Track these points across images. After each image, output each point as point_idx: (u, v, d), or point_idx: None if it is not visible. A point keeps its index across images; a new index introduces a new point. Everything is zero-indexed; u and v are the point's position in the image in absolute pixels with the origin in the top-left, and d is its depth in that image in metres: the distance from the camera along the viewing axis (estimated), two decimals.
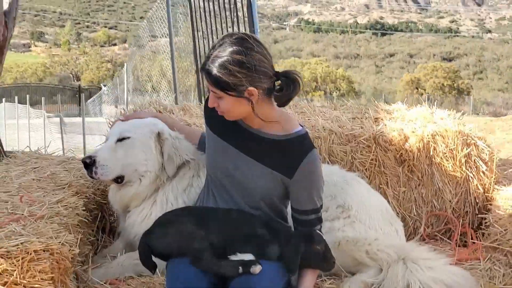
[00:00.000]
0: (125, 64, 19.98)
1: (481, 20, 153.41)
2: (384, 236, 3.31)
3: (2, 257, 2.58)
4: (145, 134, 3.33)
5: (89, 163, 3.20)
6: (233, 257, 2.79)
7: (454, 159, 3.84)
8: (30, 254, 2.61)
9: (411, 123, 3.92)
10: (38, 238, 2.70)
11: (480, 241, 3.59)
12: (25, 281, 2.58)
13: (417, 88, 51.21)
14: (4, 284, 2.56)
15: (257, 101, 2.77)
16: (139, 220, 3.32)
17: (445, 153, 3.85)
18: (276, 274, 2.78)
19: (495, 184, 3.92)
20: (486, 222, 3.73)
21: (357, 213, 3.32)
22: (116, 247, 3.46)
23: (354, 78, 58.12)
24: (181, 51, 13.06)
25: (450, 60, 72.05)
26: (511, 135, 17.69)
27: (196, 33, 9.66)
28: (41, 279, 2.62)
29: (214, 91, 2.75)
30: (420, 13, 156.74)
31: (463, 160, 3.84)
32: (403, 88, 51.47)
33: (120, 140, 3.31)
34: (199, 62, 9.46)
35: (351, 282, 3.06)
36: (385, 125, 3.88)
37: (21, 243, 2.65)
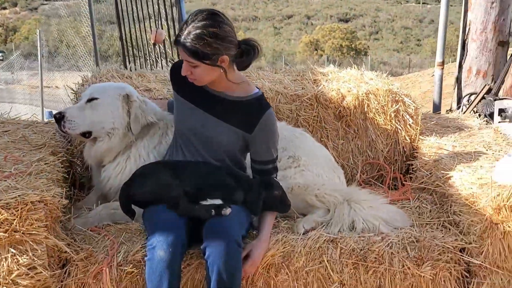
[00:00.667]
0: (38, 30, 19.88)
1: None
2: (329, 181, 3.81)
3: (2, 208, 2.94)
4: (113, 96, 3.73)
5: (59, 118, 3.61)
6: (204, 203, 3.23)
7: (385, 114, 4.35)
8: (27, 205, 2.98)
9: (346, 83, 4.41)
10: (33, 191, 3.06)
11: (409, 184, 4.14)
12: (23, 229, 2.98)
13: (316, 50, 51.56)
14: (5, 231, 2.94)
15: (227, 67, 3.21)
16: (114, 174, 3.71)
17: (377, 109, 4.34)
18: (242, 216, 3.26)
19: (420, 135, 4.46)
20: (413, 168, 4.28)
21: (306, 163, 3.79)
22: (90, 199, 3.83)
23: None
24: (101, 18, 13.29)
25: (346, 21, 72.63)
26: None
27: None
28: (37, 226, 3.00)
29: (191, 61, 3.16)
30: None
31: (392, 115, 4.35)
32: (302, 50, 51.82)
33: (90, 100, 3.69)
34: (123, 29, 9.69)
35: (304, 221, 3.53)
36: (324, 85, 4.36)
37: (19, 196, 2.99)
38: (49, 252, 3.07)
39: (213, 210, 3.16)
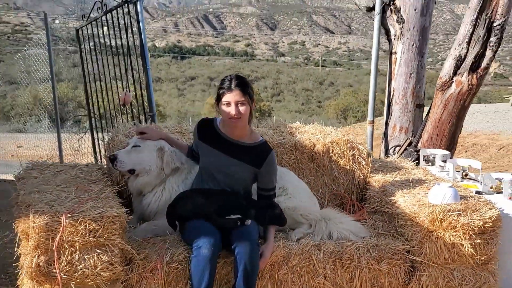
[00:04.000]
0: None
1: (274, 44, 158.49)
2: (309, 205, 5.15)
3: (92, 220, 4.08)
4: (151, 146, 5.01)
5: (113, 159, 4.88)
6: (228, 217, 4.52)
7: (345, 157, 5.63)
8: (108, 218, 4.13)
9: (314, 135, 5.74)
10: (111, 209, 4.23)
11: (364, 208, 5.50)
12: (105, 235, 4.07)
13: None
14: (93, 237, 4.06)
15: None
16: (153, 200, 4.94)
17: (339, 154, 5.61)
18: (255, 226, 4.55)
19: (370, 173, 5.81)
20: (366, 197, 5.56)
21: (292, 192, 5.07)
22: (132, 220, 4.98)
23: (159, 101, 55.51)
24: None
25: None
26: None
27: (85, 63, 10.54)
28: (114, 234, 4.13)
29: (242, 99, 4.53)
30: (216, 37, 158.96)
31: (350, 158, 5.63)
32: (208, 111, 52.23)
33: (134, 146, 4.97)
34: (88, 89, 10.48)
35: (295, 233, 4.84)
36: (298, 136, 5.67)
37: (101, 212, 4.13)
38: (120, 253, 4.26)
39: (238, 222, 4.46)
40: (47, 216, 4.02)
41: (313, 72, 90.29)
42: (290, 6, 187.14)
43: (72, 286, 4.07)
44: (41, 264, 3.99)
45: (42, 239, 3.98)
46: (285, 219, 4.71)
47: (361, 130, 25.26)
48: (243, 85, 4.53)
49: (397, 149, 8.45)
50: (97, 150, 10.62)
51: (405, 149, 8.27)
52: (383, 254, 4.68)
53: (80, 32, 10.57)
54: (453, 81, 7.98)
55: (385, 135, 8.78)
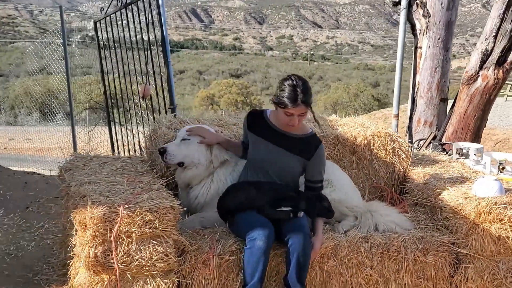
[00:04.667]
0: None
1: (262, 38, 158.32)
2: (353, 197, 5.20)
3: (148, 212, 4.12)
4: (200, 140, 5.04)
5: (162, 151, 4.92)
6: (279, 209, 4.57)
7: (385, 150, 5.67)
8: (164, 209, 4.17)
9: (353, 128, 5.81)
10: (165, 200, 4.29)
11: (405, 201, 5.56)
12: (161, 226, 4.13)
13: (211, 104, 51.43)
14: (149, 228, 4.11)
15: None
16: (201, 193, 4.99)
17: (380, 147, 5.66)
18: (306, 218, 4.61)
19: (410, 166, 5.87)
20: (405, 190, 5.63)
21: (337, 184, 5.12)
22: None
23: None
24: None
25: (238, 77, 72.45)
26: None
27: (103, 57, 10.54)
28: (169, 225, 4.17)
29: (304, 112, 4.56)
30: (204, 31, 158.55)
31: (390, 151, 5.68)
32: (199, 104, 51.63)
33: (184, 140, 5.01)
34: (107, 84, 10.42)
35: (342, 225, 4.90)
36: (339, 130, 5.75)
37: (157, 203, 4.20)
38: (174, 244, 4.29)
39: (291, 214, 4.51)
40: (104, 207, 4.08)
41: (301, 66, 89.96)
42: (278, 0, 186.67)
43: (129, 276, 4.15)
44: (98, 254, 4.06)
45: (100, 230, 4.05)
46: (333, 211, 4.76)
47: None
48: (308, 97, 4.52)
49: (421, 142, 8.51)
50: (115, 142, 10.61)
51: (430, 142, 8.33)
52: (429, 246, 4.73)
53: (98, 25, 10.47)
54: (479, 75, 8.05)
55: (409, 128, 8.86)
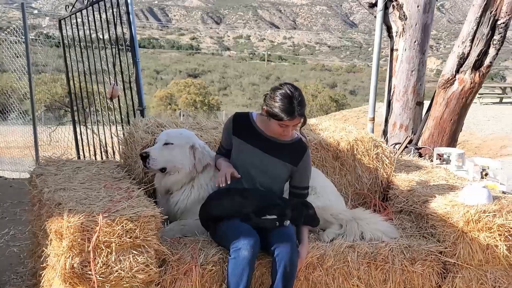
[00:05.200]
0: None
1: (220, 38, 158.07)
2: (338, 205, 5.05)
3: (128, 220, 3.92)
4: (184, 144, 4.83)
5: (145, 156, 4.68)
6: (264, 218, 4.39)
7: (368, 156, 5.53)
8: (145, 218, 3.97)
9: (336, 132, 5.64)
10: (146, 208, 4.08)
11: (389, 208, 5.41)
12: (141, 236, 3.93)
13: (170, 104, 51.81)
14: (130, 237, 3.91)
15: None
16: (182, 198, 4.77)
17: (363, 152, 5.51)
18: (292, 227, 4.44)
19: (393, 172, 5.75)
20: (389, 196, 5.49)
21: (320, 191, 4.99)
22: None
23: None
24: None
25: (195, 77, 72.63)
26: None
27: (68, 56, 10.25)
28: (150, 234, 3.98)
29: (298, 123, 4.41)
30: (161, 30, 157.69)
31: (374, 156, 5.54)
32: (157, 104, 51.61)
33: (166, 144, 4.79)
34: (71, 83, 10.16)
35: (327, 233, 4.74)
36: (321, 134, 5.57)
37: (138, 212, 3.99)
38: (155, 254, 4.11)
39: (277, 222, 4.34)
40: (82, 216, 3.86)
41: (259, 66, 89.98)
42: (235, 0, 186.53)
43: None
44: (75, 265, 3.84)
45: (77, 239, 3.82)
46: (318, 219, 4.61)
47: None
48: (304, 108, 4.37)
49: (397, 146, 8.41)
50: (80, 144, 10.34)
51: (406, 146, 8.23)
52: (417, 256, 4.60)
53: (63, 23, 10.20)
54: (455, 79, 7.98)
55: (385, 132, 8.75)
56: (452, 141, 8.13)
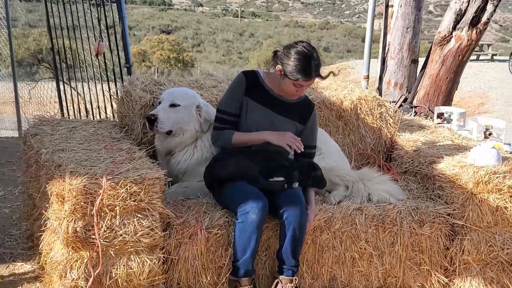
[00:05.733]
0: None
1: None
2: (344, 166, 4.93)
3: (133, 183, 3.78)
4: (190, 104, 4.65)
5: (153, 119, 4.48)
6: (271, 180, 4.26)
7: (372, 115, 5.39)
8: (150, 180, 3.83)
9: (338, 91, 5.49)
10: (151, 170, 3.94)
11: (394, 169, 5.29)
12: (146, 199, 3.81)
13: (143, 61, 49.52)
14: (134, 200, 3.78)
15: None
16: (184, 159, 4.61)
17: (367, 111, 5.37)
18: (300, 188, 4.31)
19: (398, 132, 5.60)
20: (394, 156, 5.37)
21: (326, 152, 4.86)
22: None
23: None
24: None
25: (168, 33, 69.77)
26: None
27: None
28: (155, 197, 3.84)
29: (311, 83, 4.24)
30: None
31: (377, 116, 5.40)
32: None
33: (172, 105, 4.59)
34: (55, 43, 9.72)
35: (333, 195, 4.61)
36: (324, 93, 5.41)
37: (142, 174, 3.84)
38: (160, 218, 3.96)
39: (285, 184, 4.21)
40: (84, 178, 3.73)
41: (232, 23, 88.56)
42: None
43: (111, 253, 3.84)
44: (78, 229, 3.71)
45: (80, 203, 3.69)
46: (325, 181, 4.49)
47: None
48: (320, 69, 4.20)
49: (392, 104, 8.27)
50: (64, 102, 10.07)
51: (400, 105, 8.11)
52: (425, 218, 4.51)
53: None
54: (452, 36, 7.85)
55: (379, 90, 8.61)
56: (447, 100, 8.03)
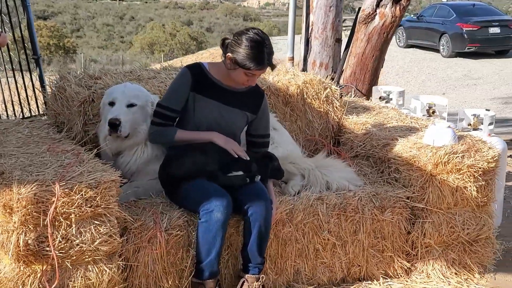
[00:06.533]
0: None
1: None
2: (297, 154, 4.75)
3: (88, 188, 3.48)
4: (146, 103, 4.34)
5: (118, 124, 4.14)
6: (229, 175, 4.03)
7: (318, 99, 5.20)
8: (105, 183, 3.54)
9: (282, 76, 5.27)
10: (105, 172, 3.64)
11: (345, 153, 5.14)
12: (103, 204, 3.54)
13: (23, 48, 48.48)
14: (90, 206, 3.50)
15: None
16: (133, 159, 4.28)
17: (313, 95, 5.18)
18: (261, 182, 4.10)
19: (344, 115, 5.45)
20: (342, 141, 5.24)
21: (278, 140, 4.67)
22: None
23: None
24: None
25: (45, 19, 65.81)
26: None
27: None
28: (112, 201, 3.58)
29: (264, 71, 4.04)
30: None
31: (324, 99, 5.22)
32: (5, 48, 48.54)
33: (130, 106, 4.26)
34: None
35: (291, 186, 4.42)
36: (269, 79, 5.18)
37: (96, 177, 3.52)
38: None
39: (247, 179, 3.99)
40: (34, 186, 3.41)
41: (111, 6, 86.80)
42: None
43: (68, 264, 3.55)
44: (30, 242, 3.42)
45: (31, 213, 3.38)
46: (283, 171, 4.29)
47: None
48: (272, 57, 4.01)
49: None
50: None
51: None
52: (386, 203, 4.40)
53: None
54: (376, 14, 7.74)
55: (305, 71, 8.43)
56: (374, 78, 7.94)
